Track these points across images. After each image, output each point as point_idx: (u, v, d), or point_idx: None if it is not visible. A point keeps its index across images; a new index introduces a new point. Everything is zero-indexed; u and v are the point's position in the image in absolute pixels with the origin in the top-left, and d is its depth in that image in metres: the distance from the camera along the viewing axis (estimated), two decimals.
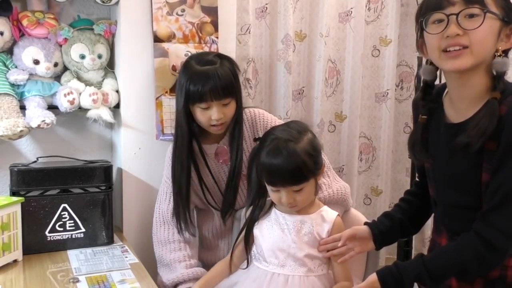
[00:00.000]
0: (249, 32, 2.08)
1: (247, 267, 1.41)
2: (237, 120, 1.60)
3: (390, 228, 1.39)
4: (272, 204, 1.43)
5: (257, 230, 1.41)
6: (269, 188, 1.35)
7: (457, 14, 1.09)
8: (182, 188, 1.58)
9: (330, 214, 1.40)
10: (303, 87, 2.27)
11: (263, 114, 1.66)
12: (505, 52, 1.14)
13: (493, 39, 1.11)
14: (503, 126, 1.08)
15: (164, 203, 1.64)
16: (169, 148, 1.66)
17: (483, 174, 1.14)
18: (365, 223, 1.45)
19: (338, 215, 1.41)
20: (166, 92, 1.83)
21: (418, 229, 1.47)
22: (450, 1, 1.10)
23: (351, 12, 2.27)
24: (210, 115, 1.53)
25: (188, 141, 1.58)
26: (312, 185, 1.35)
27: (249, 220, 1.43)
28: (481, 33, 1.09)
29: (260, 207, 1.43)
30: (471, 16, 1.09)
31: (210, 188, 1.65)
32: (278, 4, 2.15)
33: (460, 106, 1.19)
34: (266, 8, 2.15)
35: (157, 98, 1.83)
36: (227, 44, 1.96)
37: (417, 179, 1.46)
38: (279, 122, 1.66)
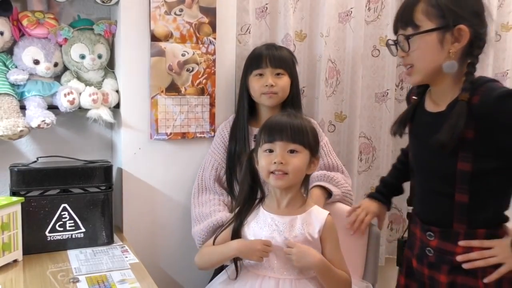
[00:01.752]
0: (249, 32, 2.08)
1: (236, 277, 1.39)
2: (291, 102, 1.80)
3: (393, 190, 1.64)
4: (260, 204, 1.41)
5: (246, 232, 1.39)
6: (263, 149, 1.33)
7: (396, 39, 1.25)
8: (233, 156, 1.79)
9: (320, 213, 1.37)
10: (303, 87, 2.27)
11: (316, 125, 1.81)
12: (470, 53, 1.24)
13: (434, 51, 1.22)
14: (478, 114, 1.19)
15: (207, 171, 1.82)
16: (223, 123, 1.88)
17: (459, 163, 1.24)
18: (372, 196, 1.65)
19: (329, 214, 1.38)
20: (162, 91, 1.83)
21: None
22: (396, 27, 1.28)
23: (351, 12, 2.26)
24: (263, 82, 1.75)
25: (248, 111, 1.81)
26: (306, 160, 1.32)
27: (237, 221, 1.41)
28: (417, 52, 1.24)
29: (246, 209, 1.41)
30: (408, 37, 1.23)
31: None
32: (278, 4, 2.15)
33: (436, 99, 1.32)
34: (266, 8, 2.15)
35: (152, 97, 1.83)
36: (227, 44, 1.96)
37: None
38: (326, 139, 1.88)
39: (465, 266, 1.26)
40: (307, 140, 1.31)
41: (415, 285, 1.41)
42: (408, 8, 1.25)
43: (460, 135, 1.20)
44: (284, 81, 1.78)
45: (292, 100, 1.83)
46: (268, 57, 1.77)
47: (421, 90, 1.40)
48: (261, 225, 1.37)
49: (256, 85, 1.78)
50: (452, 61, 1.22)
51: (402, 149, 1.70)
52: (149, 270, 1.49)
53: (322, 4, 2.22)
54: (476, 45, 1.24)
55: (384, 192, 1.65)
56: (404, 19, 1.25)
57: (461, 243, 1.27)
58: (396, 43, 1.28)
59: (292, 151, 1.30)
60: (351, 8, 2.27)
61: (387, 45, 1.34)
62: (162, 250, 1.93)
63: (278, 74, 1.78)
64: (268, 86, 1.75)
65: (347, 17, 2.28)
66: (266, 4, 2.14)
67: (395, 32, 1.30)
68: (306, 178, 1.40)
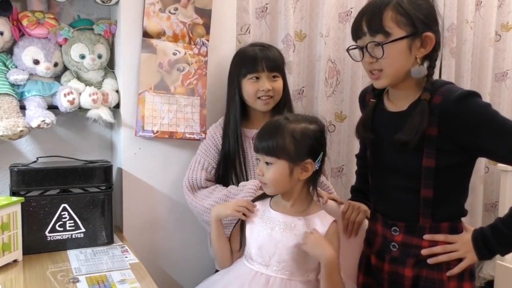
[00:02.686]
0: (249, 32, 2.08)
1: (239, 249, 1.44)
2: (283, 104, 1.77)
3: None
4: (268, 203, 1.43)
5: (248, 226, 1.40)
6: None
7: (366, 46, 1.30)
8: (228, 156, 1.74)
9: (326, 218, 1.37)
10: (303, 87, 2.27)
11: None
12: (430, 57, 1.33)
13: (402, 57, 1.29)
14: (440, 112, 1.27)
15: (197, 172, 1.76)
16: (214, 125, 1.84)
17: (424, 159, 1.30)
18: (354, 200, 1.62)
19: (335, 221, 1.38)
20: (150, 88, 1.82)
21: None
22: (359, 34, 1.32)
23: (351, 12, 2.27)
24: (259, 86, 1.70)
25: (240, 113, 1.75)
26: (284, 169, 1.32)
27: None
28: (387, 59, 1.29)
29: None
30: (378, 44, 1.28)
31: (238, 171, 1.73)
32: (278, 4, 2.15)
33: (396, 100, 1.39)
34: (266, 8, 2.15)
35: (140, 94, 1.81)
36: (227, 44, 1.96)
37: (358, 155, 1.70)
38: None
39: (429, 261, 1.34)
40: (282, 153, 1.31)
41: (373, 282, 1.46)
42: (376, 16, 1.29)
43: (424, 133, 1.27)
44: (279, 84, 1.75)
45: (284, 102, 1.79)
46: (264, 61, 1.70)
47: (378, 92, 1.45)
48: (265, 221, 1.38)
49: (252, 89, 1.71)
50: (420, 67, 1.30)
51: (357, 155, 1.73)
52: (149, 270, 1.48)
53: (322, 4, 2.23)
54: (435, 49, 1.32)
55: (362, 197, 1.63)
56: (373, 27, 1.29)
57: (426, 237, 1.34)
58: (362, 49, 1.32)
59: (267, 163, 1.34)
60: (351, 8, 2.27)
61: (348, 50, 1.38)
62: (162, 250, 1.93)
63: (274, 77, 1.73)
64: (265, 90, 1.70)
65: (347, 17, 2.28)
66: (266, 4, 2.14)
67: (358, 38, 1.34)
68: (310, 181, 1.39)
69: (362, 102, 1.57)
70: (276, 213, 1.38)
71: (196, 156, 1.81)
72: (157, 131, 1.84)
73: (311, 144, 1.34)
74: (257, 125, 1.64)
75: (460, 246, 1.32)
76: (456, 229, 1.35)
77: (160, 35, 1.82)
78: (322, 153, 1.37)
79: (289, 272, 1.33)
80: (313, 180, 1.39)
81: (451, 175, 1.32)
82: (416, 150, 1.30)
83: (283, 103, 1.78)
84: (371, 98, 1.48)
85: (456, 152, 1.30)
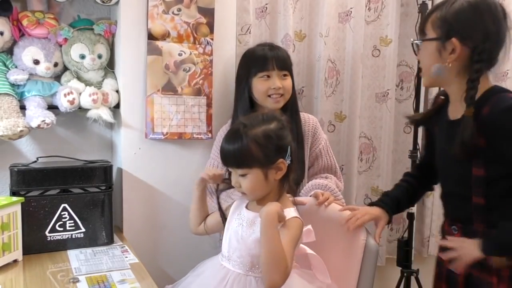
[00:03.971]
0: (249, 32, 2.08)
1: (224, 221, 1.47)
2: (291, 103, 1.79)
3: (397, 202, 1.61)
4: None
5: (226, 222, 1.43)
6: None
7: (412, 45, 1.41)
8: None
9: (290, 215, 1.34)
10: (303, 87, 2.27)
11: (316, 122, 1.87)
12: (469, 68, 1.31)
13: (432, 58, 1.34)
14: (488, 124, 1.26)
15: None
16: (224, 127, 1.83)
17: (473, 168, 1.32)
18: (373, 204, 1.62)
19: (298, 218, 1.34)
20: (158, 90, 1.83)
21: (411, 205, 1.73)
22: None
23: (351, 12, 2.26)
24: (270, 84, 1.73)
25: (249, 113, 1.71)
26: (259, 176, 1.32)
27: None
28: (423, 58, 1.38)
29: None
30: (416, 44, 1.39)
31: None
32: (278, 4, 2.15)
33: (454, 108, 1.39)
34: (266, 8, 2.15)
35: (148, 96, 1.82)
36: (227, 44, 1.96)
37: (418, 162, 1.74)
38: (325, 138, 1.88)
39: (440, 255, 1.40)
40: (252, 161, 1.31)
41: (436, 276, 1.52)
42: (425, 17, 1.37)
43: (473, 144, 1.27)
44: (289, 83, 1.78)
45: (292, 101, 1.82)
46: (274, 59, 1.75)
47: (443, 93, 1.47)
48: (236, 215, 1.41)
49: (263, 87, 1.74)
50: (438, 64, 1.33)
51: (415, 165, 1.80)
52: (149, 270, 1.49)
53: (322, 4, 2.22)
54: (474, 60, 1.29)
55: (387, 201, 1.61)
56: (420, 27, 1.39)
57: (440, 242, 1.44)
58: (412, 46, 1.43)
59: (242, 175, 1.34)
60: (351, 8, 2.27)
61: (412, 45, 1.45)
62: (162, 250, 1.93)
63: (284, 75, 1.77)
64: (276, 88, 1.73)
65: (347, 17, 2.28)
66: (266, 4, 2.14)
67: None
68: (285, 181, 1.38)
69: (434, 101, 1.58)
70: (245, 210, 1.40)
71: (210, 160, 1.84)
72: (167, 133, 1.86)
73: (276, 144, 1.33)
74: None
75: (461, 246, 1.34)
76: None
77: (165, 36, 1.83)
78: (289, 147, 1.36)
79: (247, 267, 1.34)
80: (286, 176, 1.38)
81: (502, 184, 1.31)
82: (467, 160, 1.32)
83: (291, 102, 1.81)
84: (440, 98, 1.51)
85: (503, 164, 1.29)
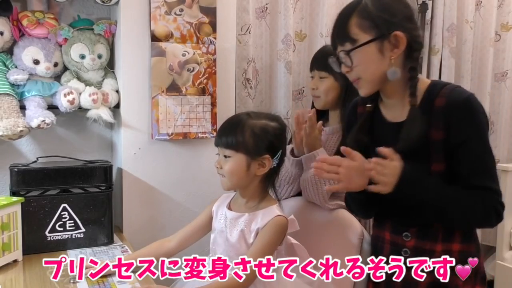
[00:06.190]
0: (249, 32, 2.08)
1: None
2: (341, 105, 1.74)
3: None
4: (230, 201, 1.46)
5: (214, 219, 1.46)
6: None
7: (337, 55, 1.28)
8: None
9: (271, 214, 1.34)
10: (303, 87, 2.27)
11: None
12: (410, 57, 1.25)
13: (375, 61, 1.24)
14: (446, 115, 1.22)
15: None
16: None
17: (433, 164, 1.25)
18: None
19: (282, 216, 1.34)
20: (163, 91, 1.83)
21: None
22: (334, 44, 1.30)
23: None
24: (311, 85, 1.81)
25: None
26: (242, 162, 1.33)
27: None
28: (359, 66, 1.26)
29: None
30: (348, 52, 1.25)
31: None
32: (278, 4, 2.15)
33: (395, 110, 1.32)
34: (266, 8, 2.15)
35: (153, 98, 1.83)
36: (227, 44, 1.96)
37: None
38: None
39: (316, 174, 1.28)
40: (240, 144, 1.33)
41: None
42: (341, 24, 1.26)
43: (429, 138, 1.22)
44: (326, 84, 1.76)
45: (336, 106, 1.78)
46: (315, 60, 1.83)
47: (367, 100, 1.38)
48: (219, 216, 1.43)
49: (309, 86, 1.86)
50: (393, 68, 1.24)
51: None
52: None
53: (322, 4, 2.23)
54: (414, 48, 1.26)
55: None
56: (340, 36, 1.27)
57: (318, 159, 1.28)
58: (338, 59, 1.30)
59: (226, 156, 1.36)
60: None
61: (329, 63, 1.34)
62: None
63: (322, 77, 1.77)
64: (311, 87, 1.82)
65: None
66: (266, 4, 2.14)
67: (334, 49, 1.31)
68: (267, 179, 1.39)
69: (353, 114, 1.47)
70: (226, 210, 1.42)
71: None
72: (172, 133, 1.86)
73: (270, 140, 1.36)
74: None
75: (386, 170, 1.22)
76: (470, 232, 1.32)
77: (168, 37, 1.83)
78: (281, 151, 1.38)
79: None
80: (270, 178, 1.40)
81: (461, 182, 1.25)
82: (424, 157, 1.25)
83: (334, 106, 1.77)
84: (368, 103, 1.40)
85: (469, 153, 1.23)
